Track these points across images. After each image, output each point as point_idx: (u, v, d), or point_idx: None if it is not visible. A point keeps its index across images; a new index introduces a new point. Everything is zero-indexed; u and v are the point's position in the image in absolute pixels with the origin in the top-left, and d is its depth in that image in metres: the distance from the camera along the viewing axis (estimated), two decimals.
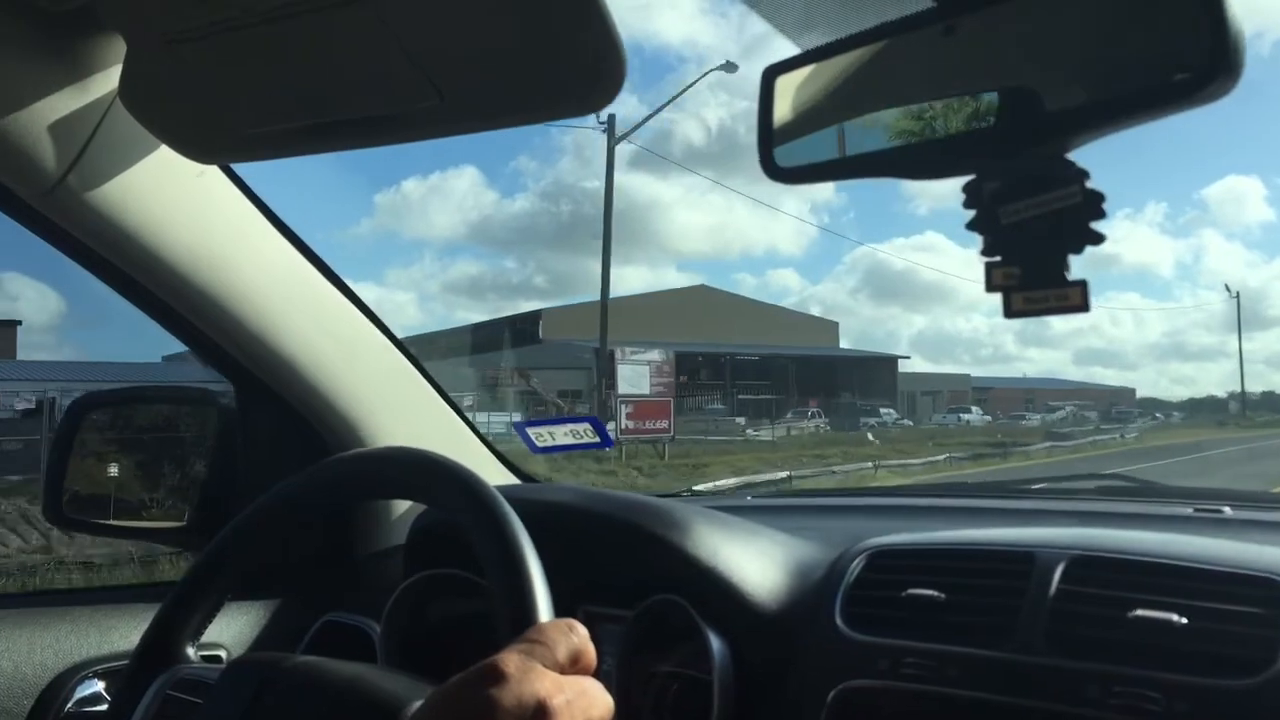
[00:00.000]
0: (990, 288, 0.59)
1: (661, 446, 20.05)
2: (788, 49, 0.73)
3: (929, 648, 0.80)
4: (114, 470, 1.46)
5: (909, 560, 0.89)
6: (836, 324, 53.60)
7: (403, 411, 1.30)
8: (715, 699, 0.82)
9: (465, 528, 0.76)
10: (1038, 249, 0.58)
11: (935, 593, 0.83)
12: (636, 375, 23.36)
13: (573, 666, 0.62)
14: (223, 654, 1.19)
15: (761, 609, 0.88)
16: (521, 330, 39.87)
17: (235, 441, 1.30)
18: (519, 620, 0.67)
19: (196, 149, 0.92)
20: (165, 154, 0.99)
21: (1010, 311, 0.59)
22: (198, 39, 0.79)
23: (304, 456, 1.24)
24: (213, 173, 1.06)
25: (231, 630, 1.24)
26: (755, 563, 0.91)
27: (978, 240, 0.60)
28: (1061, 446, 24.71)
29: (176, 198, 1.03)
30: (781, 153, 0.71)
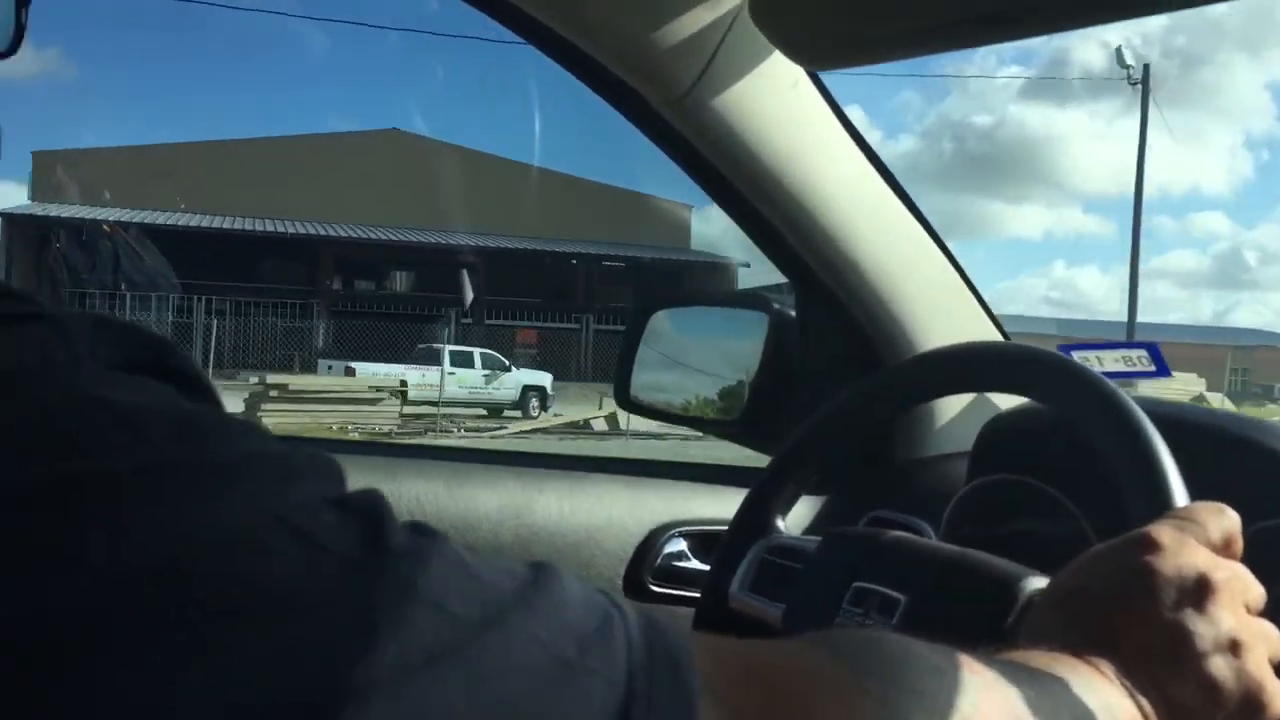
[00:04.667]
0: None
1: None
2: None
3: None
4: (675, 364, 1.63)
5: None
6: (689, 209, 30.78)
7: (956, 329, 1.31)
8: None
9: (1078, 417, 0.76)
10: None
11: None
12: None
13: (1225, 550, 0.60)
14: None
15: None
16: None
17: (792, 346, 1.38)
18: (1156, 501, 0.66)
19: (812, 56, 0.98)
20: (770, 64, 1.08)
21: None
22: None
23: (859, 364, 1.31)
24: (804, 82, 1.13)
25: (787, 521, 1.34)
26: None
27: None
28: None
29: (776, 106, 1.11)
30: None
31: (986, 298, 1.34)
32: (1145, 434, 0.70)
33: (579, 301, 27.66)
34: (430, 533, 0.34)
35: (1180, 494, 0.68)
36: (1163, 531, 0.58)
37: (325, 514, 0.31)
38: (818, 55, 0.99)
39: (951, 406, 1.32)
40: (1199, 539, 0.58)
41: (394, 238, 26.61)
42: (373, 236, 26.55)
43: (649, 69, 1.04)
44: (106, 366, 0.32)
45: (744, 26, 1.01)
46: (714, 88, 1.04)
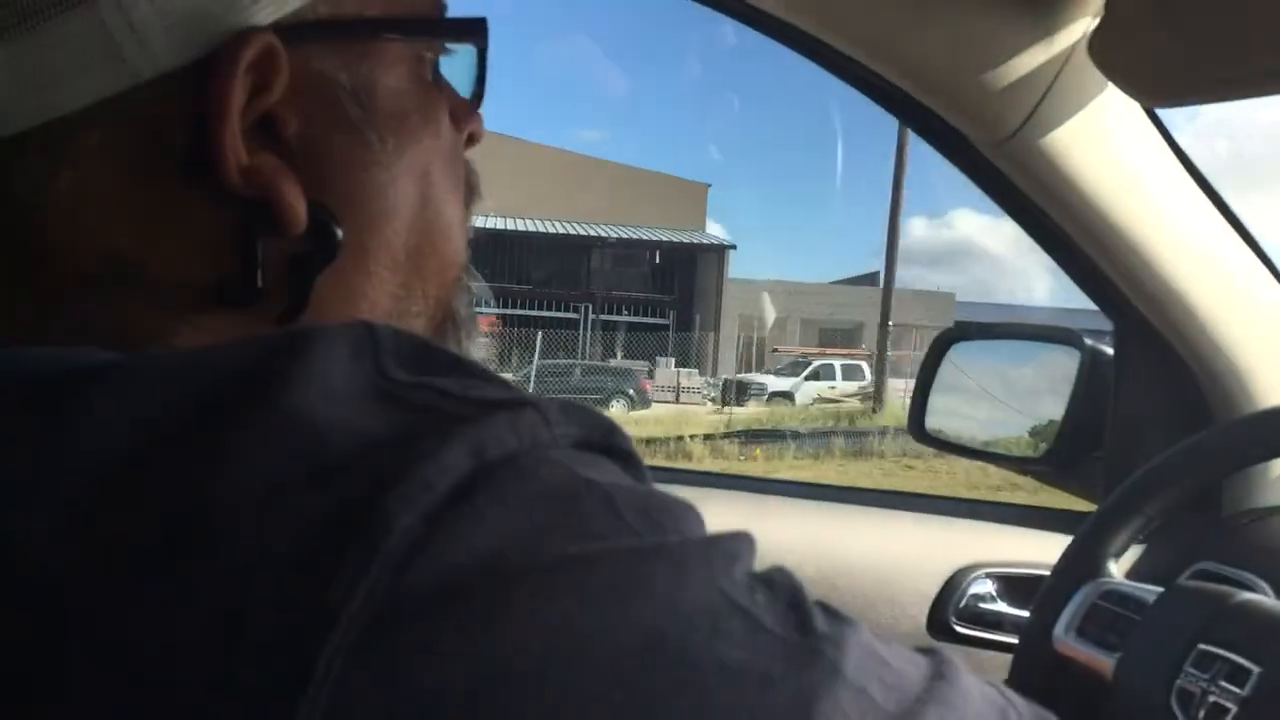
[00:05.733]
0: None
1: None
2: None
3: None
4: (973, 397, 1.60)
5: None
6: (706, 187, 27.94)
7: None
8: None
9: None
10: None
11: None
12: None
13: None
14: None
15: None
16: None
17: (1108, 385, 1.33)
18: None
19: (1155, 92, 0.95)
20: (1103, 101, 1.04)
21: None
22: None
23: (1184, 409, 1.24)
24: (1139, 117, 1.08)
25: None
26: None
27: None
28: None
29: (1108, 143, 1.07)
30: None
31: None
32: None
33: (578, 289, 24.90)
34: (841, 616, 0.35)
35: None
36: None
37: (758, 593, 0.33)
38: (1161, 91, 0.95)
39: None
40: None
41: None
42: None
43: (976, 110, 1.03)
44: (573, 447, 0.35)
45: (1078, 64, 0.99)
46: (1043, 127, 1.03)
